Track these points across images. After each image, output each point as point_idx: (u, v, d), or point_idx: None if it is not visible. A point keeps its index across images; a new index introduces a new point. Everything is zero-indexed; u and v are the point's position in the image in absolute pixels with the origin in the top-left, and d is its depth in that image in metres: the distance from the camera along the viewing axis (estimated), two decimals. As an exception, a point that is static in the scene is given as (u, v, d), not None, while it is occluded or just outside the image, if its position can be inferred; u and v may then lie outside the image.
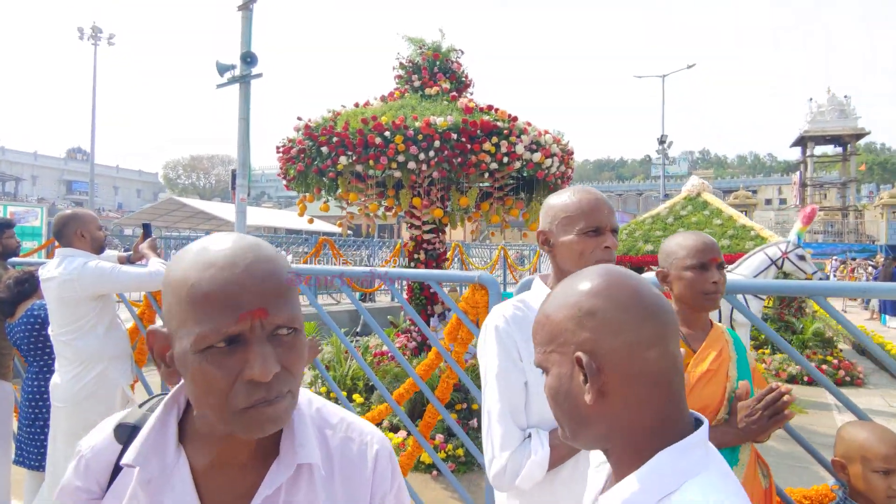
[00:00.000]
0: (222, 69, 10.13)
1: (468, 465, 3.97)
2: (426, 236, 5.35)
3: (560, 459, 1.16)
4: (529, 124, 4.56)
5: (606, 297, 0.67)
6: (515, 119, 4.47)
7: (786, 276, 7.96)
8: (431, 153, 4.27)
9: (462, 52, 5.46)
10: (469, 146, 4.28)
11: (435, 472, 3.92)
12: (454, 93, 5.13)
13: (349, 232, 17.33)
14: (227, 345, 0.62)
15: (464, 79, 5.48)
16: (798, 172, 37.32)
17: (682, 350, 1.41)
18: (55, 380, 2.54)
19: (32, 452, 2.68)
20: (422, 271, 2.15)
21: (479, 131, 4.30)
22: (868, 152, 64.46)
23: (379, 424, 3.58)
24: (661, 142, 27.15)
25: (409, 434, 3.91)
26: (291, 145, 4.80)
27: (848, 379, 7.06)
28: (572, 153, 5.08)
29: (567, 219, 1.24)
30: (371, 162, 4.37)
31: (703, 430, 0.66)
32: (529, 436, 1.19)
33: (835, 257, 24.39)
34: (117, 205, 62.62)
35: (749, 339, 6.58)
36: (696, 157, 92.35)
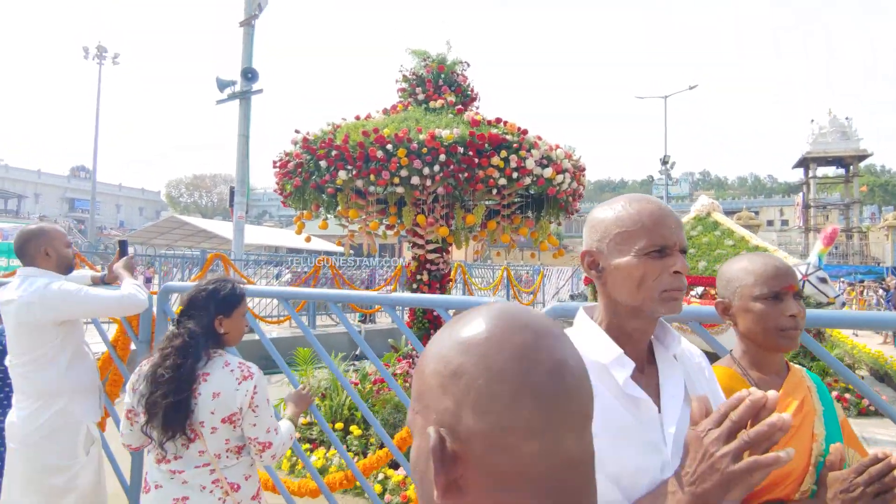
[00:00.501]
0: (222, 85, 10.00)
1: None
2: (430, 256, 5.07)
3: None
4: (540, 138, 4.32)
5: (480, 355, 0.49)
6: (525, 132, 4.22)
7: (805, 299, 7.66)
8: (436, 168, 4.02)
9: (468, 65, 5.26)
10: (476, 160, 4.02)
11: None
12: (460, 106, 4.91)
13: (351, 252, 17.10)
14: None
15: (469, 92, 5.27)
16: (801, 194, 37.27)
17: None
18: (10, 417, 2.24)
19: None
20: (427, 297, 1.88)
21: (486, 145, 4.05)
22: (869, 174, 64.69)
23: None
24: (664, 162, 27.06)
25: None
26: (288, 159, 4.56)
27: (873, 408, 6.70)
28: (584, 169, 4.83)
29: (622, 235, 0.96)
30: (372, 177, 4.12)
31: None
32: None
33: (842, 279, 24.05)
34: (119, 223, 62.78)
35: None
36: (696, 179, 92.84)
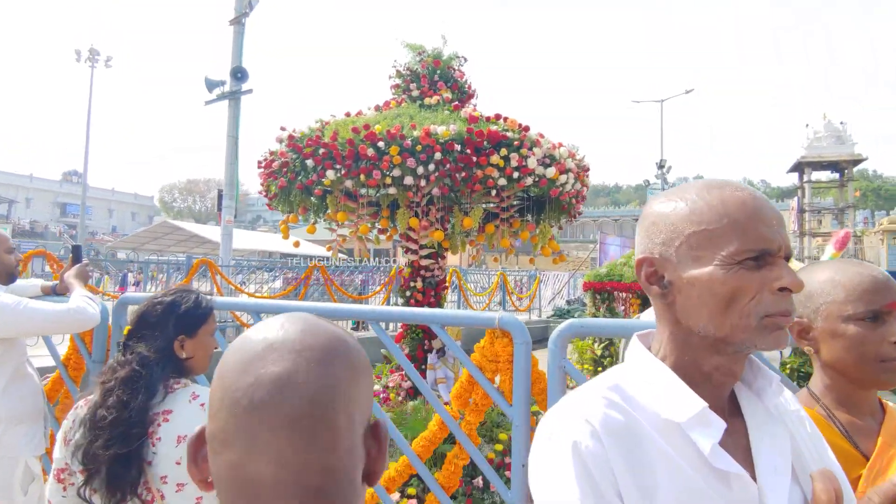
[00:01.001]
0: (211, 85, 9.70)
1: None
2: (424, 262, 4.78)
3: None
4: (542, 136, 4.04)
5: (223, 362, 0.53)
6: (527, 129, 3.94)
7: None
8: (431, 167, 3.73)
9: (465, 60, 4.98)
10: (475, 159, 3.74)
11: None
12: (457, 102, 4.63)
13: (345, 257, 16.76)
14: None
15: (467, 88, 4.99)
16: (796, 198, 37.25)
17: (845, 451, 0.82)
18: (-64, 450, 1.93)
19: None
20: (421, 313, 1.61)
21: (485, 142, 3.77)
22: (862, 178, 65.40)
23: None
24: (661, 166, 26.95)
25: None
26: (273, 158, 4.26)
27: None
28: (588, 169, 4.55)
29: (701, 236, 0.67)
30: (362, 176, 3.83)
31: None
32: None
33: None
34: (111, 228, 62.27)
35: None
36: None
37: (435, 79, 4.82)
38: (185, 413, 1.32)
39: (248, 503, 0.48)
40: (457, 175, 3.77)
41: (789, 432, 0.71)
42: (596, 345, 8.80)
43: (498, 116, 4.05)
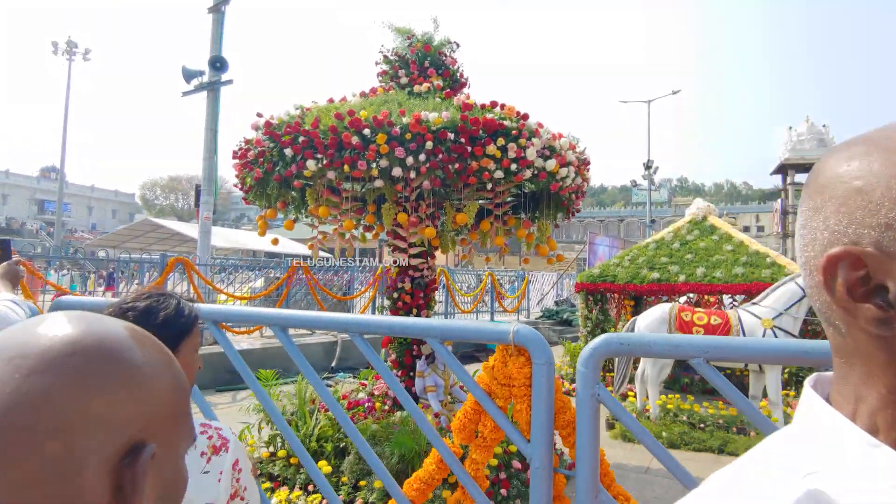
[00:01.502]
0: (189, 75, 9.26)
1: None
2: (413, 261, 4.45)
3: None
4: (541, 125, 3.75)
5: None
6: (526, 117, 3.64)
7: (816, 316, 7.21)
8: (422, 157, 3.41)
9: (457, 46, 4.67)
10: (470, 149, 3.43)
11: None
12: (448, 90, 4.32)
13: (327, 255, 16.34)
14: None
15: (459, 76, 4.68)
16: (780, 200, 37.67)
17: None
18: None
19: None
20: (416, 324, 1.31)
21: (481, 131, 3.46)
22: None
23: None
24: (648, 167, 26.93)
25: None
26: (248, 147, 3.91)
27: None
28: (589, 163, 4.27)
29: None
30: (346, 167, 3.49)
31: None
32: None
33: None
34: (91, 225, 61.03)
35: (780, 383, 5.78)
36: (674, 185, 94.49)
37: (425, 65, 4.50)
38: None
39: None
40: (450, 166, 3.46)
41: None
42: (588, 347, 8.56)
43: (494, 104, 3.74)
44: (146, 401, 0.43)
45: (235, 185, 4.51)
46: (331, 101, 4.12)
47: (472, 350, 10.75)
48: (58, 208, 35.83)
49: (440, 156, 3.41)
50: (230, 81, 9.13)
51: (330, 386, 5.86)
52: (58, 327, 0.43)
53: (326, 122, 3.53)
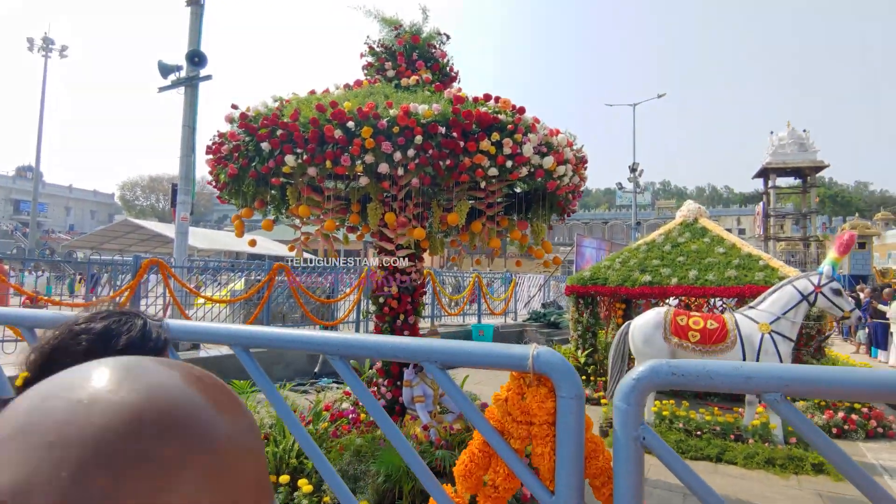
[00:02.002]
0: (166, 70, 8.89)
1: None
2: (400, 264, 4.20)
3: None
4: (538, 120, 3.52)
5: None
6: (522, 111, 3.41)
7: (818, 317, 7.11)
8: (411, 152, 3.16)
9: (448, 38, 4.43)
10: (462, 144, 3.19)
11: None
12: (438, 83, 4.08)
13: (310, 256, 15.97)
14: None
15: (449, 70, 4.44)
16: (761, 203, 38.11)
17: None
18: None
19: None
20: (411, 346, 1.09)
21: (474, 125, 3.22)
22: (820, 185, 68.52)
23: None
24: (633, 170, 26.97)
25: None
26: (222, 141, 3.62)
27: (880, 430, 6.16)
28: (586, 161, 4.05)
29: None
30: (328, 163, 3.23)
31: None
32: None
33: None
34: (69, 226, 59.66)
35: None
36: (657, 188, 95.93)
37: (413, 57, 4.26)
38: None
39: None
40: (440, 163, 3.22)
41: None
42: (579, 352, 8.34)
43: (488, 97, 3.51)
44: (232, 486, 0.35)
45: (209, 183, 4.22)
46: (312, 92, 3.85)
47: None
48: (33, 208, 34.80)
49: (430, 151, 3.16)
50: (209, 77, 8.78)
51: (312, 393, 5.57)
52: (107, 394, 0.35)
53: (307, 114, 3.26)
